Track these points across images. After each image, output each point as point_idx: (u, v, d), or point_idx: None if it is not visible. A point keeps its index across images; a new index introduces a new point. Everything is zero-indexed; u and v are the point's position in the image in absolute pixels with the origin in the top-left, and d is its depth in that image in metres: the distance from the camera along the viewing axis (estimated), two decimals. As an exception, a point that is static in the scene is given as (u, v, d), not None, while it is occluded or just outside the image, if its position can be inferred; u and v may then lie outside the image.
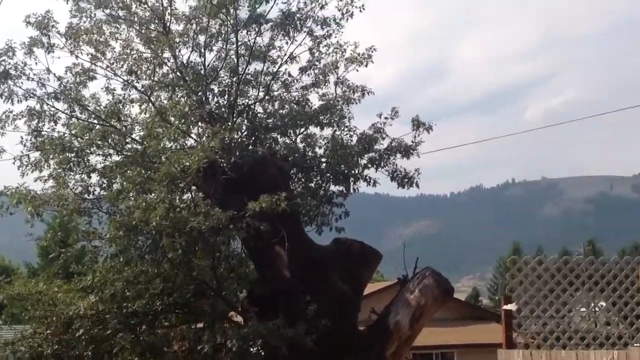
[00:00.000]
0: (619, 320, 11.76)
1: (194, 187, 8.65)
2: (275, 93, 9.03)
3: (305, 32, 8.88)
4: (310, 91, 9.08)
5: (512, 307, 10.68)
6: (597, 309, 11.72)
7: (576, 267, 11.43)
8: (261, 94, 8.75)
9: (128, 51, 9.26)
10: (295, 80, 9.09)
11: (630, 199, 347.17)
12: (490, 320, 28.27)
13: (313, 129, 8.98)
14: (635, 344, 10.36)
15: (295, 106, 8.84)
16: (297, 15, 8.86)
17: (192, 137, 9.10)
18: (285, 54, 8.88)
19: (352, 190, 8.90)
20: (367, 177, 8.90)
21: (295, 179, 9.04)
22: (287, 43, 8.96)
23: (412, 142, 8.86)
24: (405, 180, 9.00)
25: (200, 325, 9.22)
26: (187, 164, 7.82)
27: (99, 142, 8.94)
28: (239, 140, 8.55)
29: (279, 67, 8.82)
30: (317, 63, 9.05)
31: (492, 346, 11.59)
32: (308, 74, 9.05)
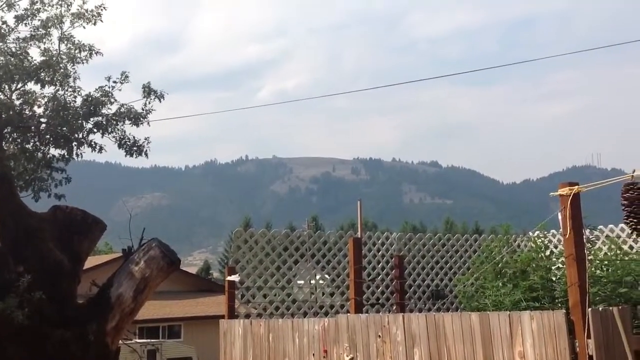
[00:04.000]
0: (332, 291, 12.76)
1: None
2: (-11, 42, 8.09)
3: (24, -24, 8.08)
4: (31, 44, 8.26)
5: (235, 278, 11.02)
6: (313, 280, 12.59)
7: (296, 240, 12.16)
8: (-28, 40, 7.79)
9: None
10: (12, 30, 8.20)
11: (349, 180, 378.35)
12: (220, 293, 28.95)
13: (32, 86, 8.19)
14: (345, 312, 11.29)
15: (12, 59, 7.97)
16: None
17: None
18: (1, 1, 8.00)
19: (75, 155, 8.30)
20: (93, 143, 8.37)
21: (10, 139, 8.20)
22: (3, -12, 8.09)
23: (143, 109, 8.52)
24: (134, 148, 8.64)
25: None
26: None
27: None
28: (-58, 91, 7.53)
29: (-7, 15, 7.91)
30: (36, 13, 8.25)
31: (218, 317, 11.84)
32: (26, 24, 8.22)
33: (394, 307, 11.81)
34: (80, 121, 8.12)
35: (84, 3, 8.27)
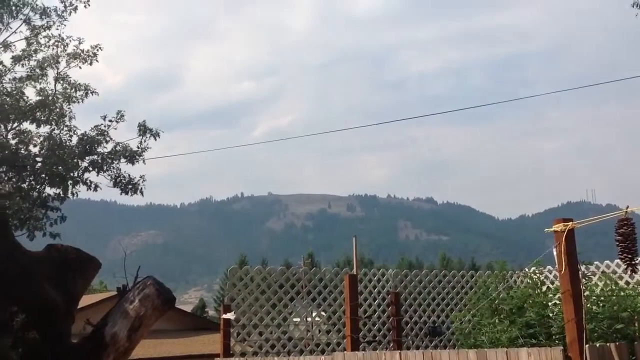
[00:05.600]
0: (328, 328, 12.66)
1: None
2: (-14, 83, 8.17)
3: (21, 19, 8.21)
4: (27, 84, 8.35)
5: (230, 316, 10.94)
6: (309, 318, 12.49)
7: (292, 277, 12.10)
8: (-32, 81, 7.86)
9: None
10: (8, 71, 8.31)
11: (345, 217, 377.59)
12: (215, 331, 28.56)
13: (28, 125, 8.25)
14: (341, 349, 11.18)
15: (7, 98, 8.05)
16: (13, 0, 8.13)
17: None
18: (-2, 42, 8.13)
19: (70, 194, 8.34)
20: (88, 181, 8.41)
21: (5, 178, 8.23)
22: (-1, 30, 8.21)
23: (138, 147, 8.60)
24: (130, 186, 8.69)
25: None
26: None
27: None
28: None
29: (-10, 56, 8.01)
30: (33, 54, 8.37)
31: (213, 356, 11.72)
32: (22, 65, 8.33)
33: (391, 345, 11.71)
34: (75, 160, 8.17)
35: (80, 43, 8.41)
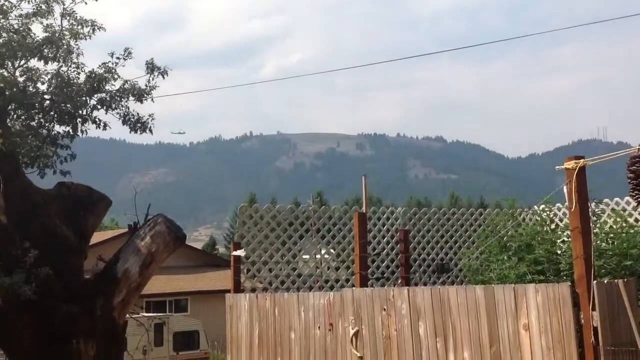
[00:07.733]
0: (337, 265, 12.81)
1: None
2: (-7, 19, 8.05)
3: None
4: (33, 20, 8.22)
5: (240, 253, 11.09)
6: (318, 255, 12.64)
7: (301, 215, 12.19)
8: (-26, 18, 7.76)
9: None
10: (14, 7, 8.17)
11: (354, 156, 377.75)
12: (225, 267, 29.06)
13: (35, 62, 8.16)
14: (350, 286, 11.34)
15: (14, 35, 7.94)
16: None
17: None
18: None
19: (79, 132, 8.31)
20: (97, 119, 8.37)
21: (14, 116, 8.21)
22: (5, -34, 8.05)
23: (147, 86, 8.50)
24: (139, 124, 8.63)
25: None
26: None
27: None
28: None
29: (-6, -8, 7.89)
30: (39, -11, 8.22)
31: (224, 292, 11.94)
32: (29, 1, 8.20)
33: (399, 281, 11.86)
34: (84, 98, 8.10)
35: (84, -22, 8.24)
